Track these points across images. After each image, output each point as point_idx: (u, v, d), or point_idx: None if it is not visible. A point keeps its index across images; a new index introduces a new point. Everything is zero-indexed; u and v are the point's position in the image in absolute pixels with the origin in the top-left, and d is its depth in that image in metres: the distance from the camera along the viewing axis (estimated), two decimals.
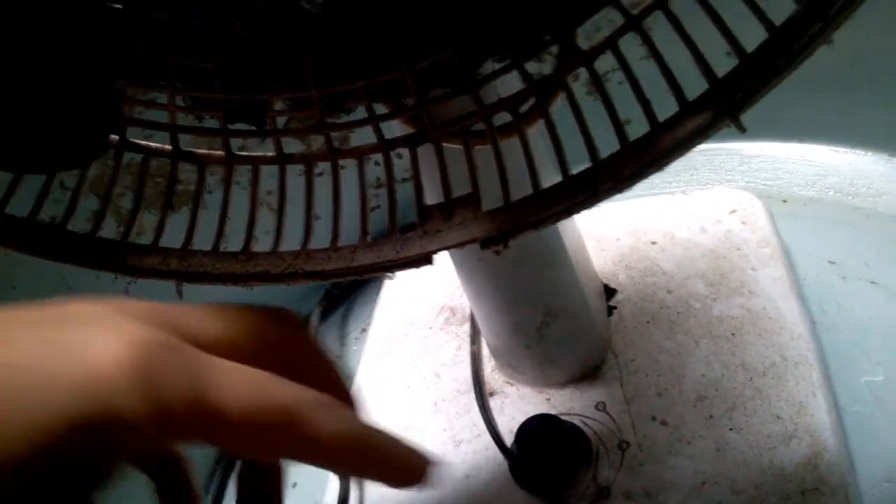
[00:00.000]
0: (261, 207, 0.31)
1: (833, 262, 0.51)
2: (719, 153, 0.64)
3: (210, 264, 0.28)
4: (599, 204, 0.26)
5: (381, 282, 0.58)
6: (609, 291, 0.47)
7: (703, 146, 0.67)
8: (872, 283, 0.49)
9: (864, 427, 0.41)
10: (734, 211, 0.50)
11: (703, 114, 0.23)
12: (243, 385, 0.20)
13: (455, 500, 0.39)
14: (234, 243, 0.30)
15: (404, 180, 0.32)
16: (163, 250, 0.29)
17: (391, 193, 0.29)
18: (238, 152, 0.30)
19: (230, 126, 0.29)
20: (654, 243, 0.50)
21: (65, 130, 0.24)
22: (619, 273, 0.48)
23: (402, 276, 0.57)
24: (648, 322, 0.44)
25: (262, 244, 0.30)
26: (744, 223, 0.49)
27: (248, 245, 0.29)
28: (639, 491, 0.36)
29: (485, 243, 0.27)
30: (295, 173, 0.31)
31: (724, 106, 0.23)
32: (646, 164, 0.25)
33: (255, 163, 0.31)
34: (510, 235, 0.27)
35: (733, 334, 0.42)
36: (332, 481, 0.44)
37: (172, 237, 0.29)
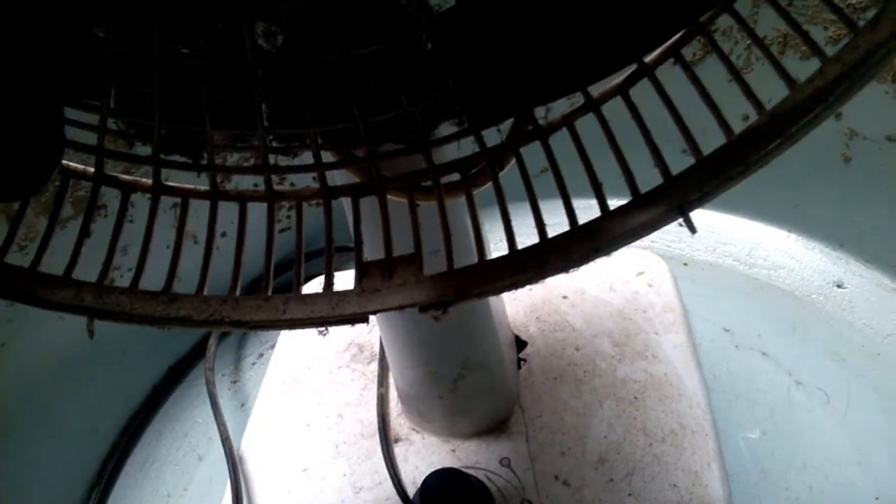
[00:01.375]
0: (185, 240, 0.29)
1: (728, 330, 0.54)
2: None
3: (128, 304, 0.26)
4: (545, 279, 0.26)
5: None
6: (520, 343, 0.47)
7: (611, 201, 0.68)
8: (763, 354, 0.52)
9: (748, 497, 0.43)
10: (642, 273, 0.52)
11: (656, 208, 0.24)
12: None
13: None
14: (151, 276, 0.28)
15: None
16: (76, 283, 0.27)
17: (328, 244, 0.28)
18: (167, 183, 0.29)
19: (164, 156, 0.28)
20: (565, 297, 0.51)
21: (15, 159, 0.22)
22: (531, 325, 0.49)
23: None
24: (556, 378, 0.45)
25: (184, 283, 0.28)
26: (650, 286, 0.51)
27: (170, 285, 0.27)
28: None
29: (424, 308, 0.26)
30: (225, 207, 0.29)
31: (677, 204, 0.23)
32: (595, 249, 0.25)
33: (186, 195, 0.29)
34: (451, 303, 0.26)
35: (636, 398, 0.43)
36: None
37: (85, 267, 0.27)
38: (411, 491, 0.40)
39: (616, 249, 0.25)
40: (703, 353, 0.52)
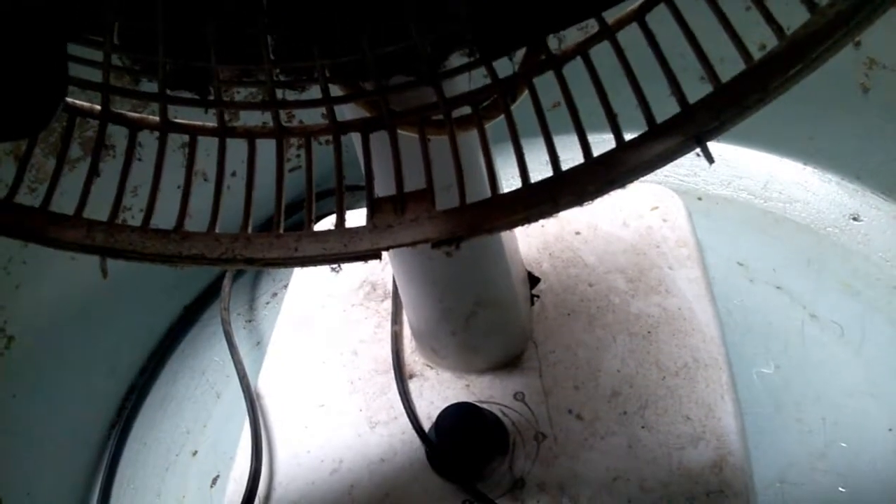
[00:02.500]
0: (196, 179, 0.29)
1: (742, 264, 0.54)
2: None
3: (139, 242, 0.26)
4: (559, 213, 0.26)
5: None
6: (533, 280, 0.47)
7: (626, 135, 0.67)
8: (777, 287, 0.51)
9: (761, 430, 0.43)
10: (656, 208, 0.52)
11: (673, 137, 0.23)
12: None
13: (370, 484, 0.39)
14: (162, 218, 0.28)
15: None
16: (87, 222, 0.26)
17: (339, 180, 0.28)
18: (176, 120, 0.28)
19: (170, 92, 0.27)
20: (578, 233, 0.51)
21: (17, 97, 0.22)
22: (543, 261, 0.49)
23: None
24: (569, 314, 0.45)
25: (196, 223, 0.28)
26: (664, 220, 0.50)
27: (181, 223, 0.27)
28: (552, 484, 0.37)
29: (437, 244, 0.26)
30: (235, 146, 0.29)
31: (694, 134, 0.23)
32: (610, 181, 0.25)
33: (194, 132, 0.29)
34: (464, 238, 0.26)
35: (649, 332, 0.43)
36: (240, 456, 0.43)
37: (96, 207, 0.27)
38: (426, 425, 0.40)
39: (632, 181, 0.25)
40: (717, 287, 0.52)
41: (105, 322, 0.54)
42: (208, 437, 0.51)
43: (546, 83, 0.26)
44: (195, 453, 0.50)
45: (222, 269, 0.27)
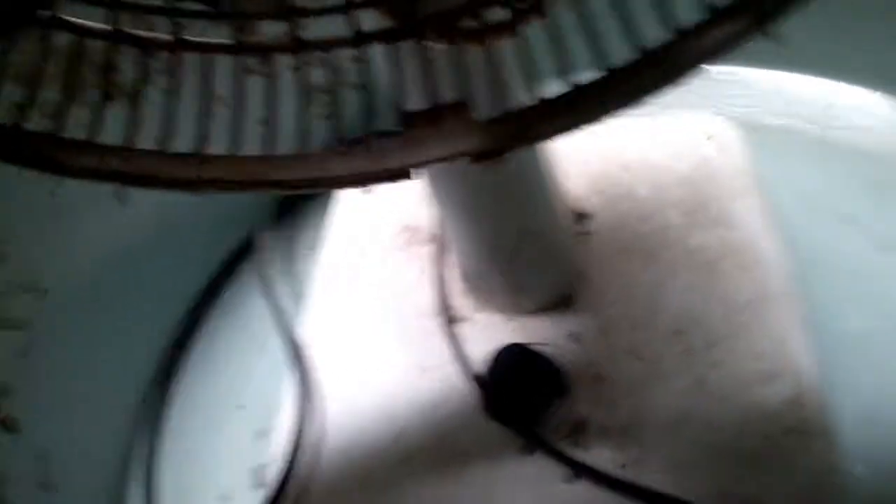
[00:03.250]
0: (215, 103, 0.27)
1: (804, 196, 0.50)
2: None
3: (157, 167, 0.24)
4: (609, 118, 0.23)
5: (329, 196, 0.55)
6: (581, 216, 0.45)
7: None
8: (845, 218, 0.48)
9: (842, 368, 0.41)
10: (710, 137, 0.49)
11: (736, 20, 0.21)
12: None
13: (422, 430, 0.37)
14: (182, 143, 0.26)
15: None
16: (100, 148, 0.25)
17: (367, 95, 0.25)
18: (188, 37, 0.26)
19: (179, 4, 0.25)
20: (626, 168, 0.48)
21: None
22: (591, 198, 0.46)
23: (354, 191, 0.54)
24: (623, 251, 0.43)
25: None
26: (720, 151, 0.47)
27: (201, 146, 0.25)
28: (615, 426, 0.35)
29: (477, 158, 0.24)
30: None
31: (759, 13, 0.20)
32: (666, 76, 0.22)
33: (210, 51, 0.26)
34: (507, 150, 0.24)
35: (711, 267, 0.40)
36: (285, 406, 0.41)
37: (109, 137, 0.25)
38: (477, 369, 0.38)
39: (690, 76, 0.22)
40: (779, 220, 0.49)
41: (143, 278, 0.53)
42: (254, 390, 0.50)
43: None
44: (242, 407, 0.49)
45: (246, 192, 0.25)
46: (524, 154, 0.34)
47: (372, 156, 0.25)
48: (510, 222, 0.37)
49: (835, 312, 0.44)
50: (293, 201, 0.62)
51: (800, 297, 0.39)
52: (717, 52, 0.22)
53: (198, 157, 0.25)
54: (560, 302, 0.41)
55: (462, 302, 0.43)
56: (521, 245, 0.38)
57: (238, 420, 0.49)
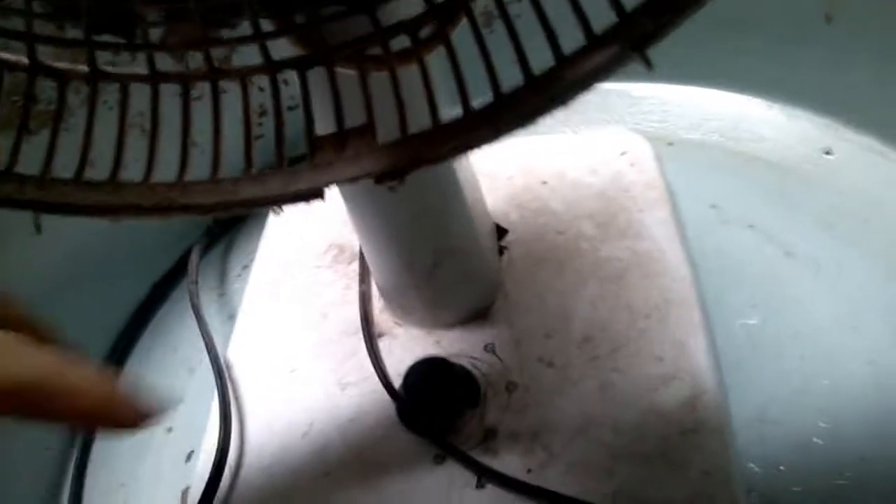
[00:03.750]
0: (132, 130, 0.28)
1: (714, 206, 0.53)
2: (609, 93, 0.64)
3: (72, 194, 0.25)
4: (501, 140, 0.25)
5: (264, 217, 0.55)
6: (500, 231, 0.46)
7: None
8: (750, 227, 0.51)
9: (739, 369, 0.43)
10: (624, 153, 0.51)
11: (610, 48, 0.22)
12: None
13: (341, 444, 0.38)
14: (101, 171, 0.27)
15: (291, 108, 0.29)
16: (18, 177, 0.25)
17: (278, 120, 0.26)
18: (106, 68, 0.27)
19: (96, 38, 0.26)
20: (545, 183, 0.50)
21: None
22: (511, 212, 0.48)
23: (287, 211, 0.55)
24: (538, 263, 0.44)
25: (133, 173, 0.27)
26: (632, 165, 0.49)
27: (115, 173, 0.26)
28: (525, 432, 0.36)
29: (380, 178, 0.25)
30: (171, 94, 0.28)
31: (632, 40, 0.22)
32: (551, 99, 0.24)
33: (125, 80, 0.27)
34: (407, 170, 0.25)
35: (619, 276, 0.42)
36: (211, 428, 0.42)
37: (29, 165, 0.26)
38: (397, 383, 0.39)
39: (573, 97, 0.24)
40: (691, 230, 0.51)
41: (71, 304, 0.52)
42: (182, 413, 0.50)
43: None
44: (170, 430, 0.49)
45: (161, 218, 0.26)
46: (436, 176, 0.36)
47: (282, 178, 0.26)
48: (426, 241, 0.38)
49: (741, 316, 0.46)
50: (227, 223, 0.63)
51: (702, 302, 0.41)
52: (597, 76, 0.23)
53: (111, 184, 0.26)
54: (478, 314, 0.42)
55: (383, 318, 0.44)
56: (439, 262, 0.39)
57: (167, 444, 0.49)
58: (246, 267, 0.59)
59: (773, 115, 0.58)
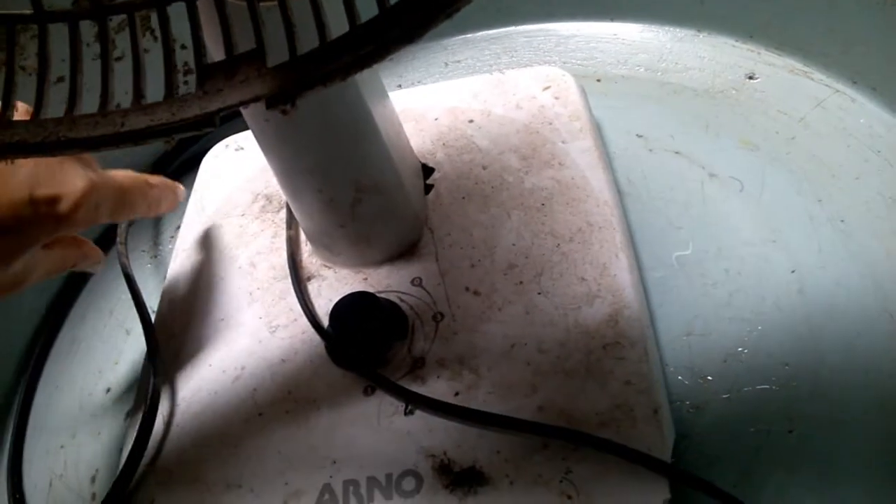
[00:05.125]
0: (23, 74, 0.27)
1: (641, 136, 0.53)
2: (537, 34, 0.64)
3: None
4: (390, 56, 0.25)
5: (193, 176, 0.55)
6: (427, 170, 0.46)
7: (522, 28, 0.66)
8: (676, 153, 0.51)
9: (666, 288, 0.43)
10: (548, 87, 0.51)
11: None
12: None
13: (272, 385, 0.38)
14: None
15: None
16: None
17: (166, 50, 0.26)
18: None
19: None
20: (471, 121, 0.50)
21: None
22: (437, 152, 0.48)
23: (216, 166, 0.54)
24: (464, 198, 0.44)
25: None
26: (556, 98, 0.50)
27: (3, 113, 0.26)
28: (452, 358, 0.37)
29: (270, 102, 0.25)
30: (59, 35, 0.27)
31: None
32: (433, 12, 0.23)
33: (12, 22, 0.27)
34: (297, 93, 0.25)
35: (543, 204, 0.42)
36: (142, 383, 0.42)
37: None
38: (327, 323, 0.39)
39: (459, 9, 0.24)
40: (618, 160, 0.52)
41: None
42: (120, 373, 0.50)
43: None
44: (108, 390, 0.49)
45: (53, 154, 0.26)
46: (346, 107, 0.35)
47: (171, 108, 0.25)
48: (343, 175, 0.38)
49: (668, 237, 0.46)
50: None
51: (624, 225, 0.42)
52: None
53: (1, 121, 0.26)
54: (406, 251, 0.42)
55: (312, 261, 0.44)
56: (360, 198, 0.39)
57: (106, 404, 0.48)
58: (178, 228, 0.58)
59: (696, 44, 0.59)
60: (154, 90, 0.26)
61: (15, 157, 0.26)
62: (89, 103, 0.26)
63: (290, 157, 0.37)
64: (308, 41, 0.25)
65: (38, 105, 0.26)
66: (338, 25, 0.24)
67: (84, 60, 0.27)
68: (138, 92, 0.26)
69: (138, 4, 0.27)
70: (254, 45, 0.25)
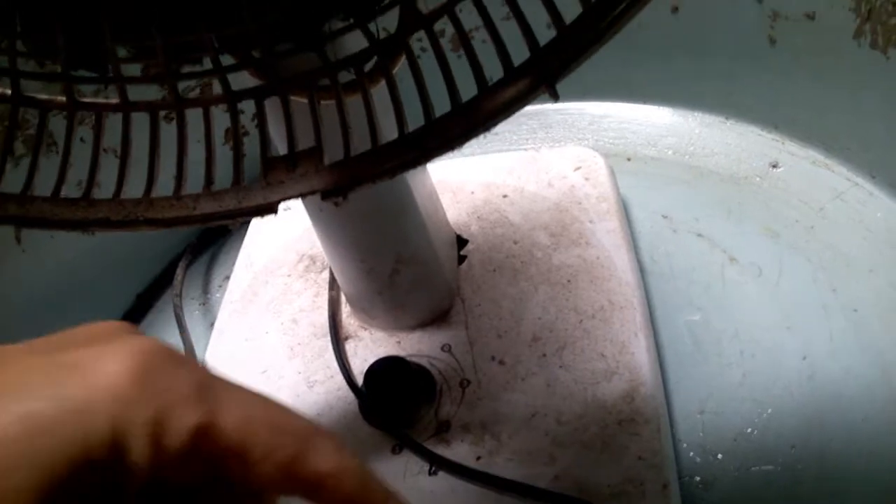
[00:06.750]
0: (106, 155, 0.31)
1: (666, 216, 0.56)
2: (572, 113, 0.68)
3: (49, 210, 0.29)
4: (432, 161, 0.28)
5: (244, 230, 0.59)
6: (461, 241, 0.50)
7: (557, 106, 0.69)
8: (699, 235, 0.54)
9: (682, 366, 0.46)
10: (579, 167, 0.54)
11: (523, 80, 0.26)
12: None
13: None
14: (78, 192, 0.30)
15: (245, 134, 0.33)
16: (1, 196, 0.29)
17: (236, 143, 0.30)
18: (82, 99, 0.30)
19: (72, 72, 0.29)
20: (505, 196, 0.53)
21: None
22: (472, 224, 0.51)
23: (264, 225, 0.58)
24: (495, 270, 0.47)
25: (107, 192, 0.30)
26: (586, 179, 0.53)
27: (89, 191, 0.29)
28: (476, 423, 0.39)
29: (325, 195, 0.28)
30: (142, 122, 0.31)
31: (542, 74, 0.25)
32: (472, 126, 0.27)
33: (99, 109, 0.31)
34: (349, 188, 0.28)
35: (569, 281, 0.45)
36: None
37: (13, 185, 0.29)
38: (360, 381, 0.42)
39: (495, 124, 0.27)
40: (643, 239, 0.55)
41: (57, 315, 0.55)
42: None
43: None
44: None
45: (129, 231, 0.29)
46: (390, 192, 0.39)
47: (237, 196, 0.29)
48: (384, 250, 0.42)
49: (686, 314, 0.49)
50: (209, 239, 0.66)
51: (645, 305, 0.44)
52: (512, 106, 0.26)
53: (85, 200, 0.29)
54: (437, 318, 0.45)
55: (350, 322, 0.47)
56: (398, 269, 0.42)
57: None
58: (227, 278, 0.62)
59: (724, 131, 0.62)
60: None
61: (99, 231, 0.30)
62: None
63: (336, 232, 0.41)
64: (359, 141, 0.29)
65: (119, 185, 0.30)
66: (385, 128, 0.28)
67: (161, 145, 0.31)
68: (209, 178, 0.30)
69: (212, 99, 0.31)
70: (313, 142, 0.29)
